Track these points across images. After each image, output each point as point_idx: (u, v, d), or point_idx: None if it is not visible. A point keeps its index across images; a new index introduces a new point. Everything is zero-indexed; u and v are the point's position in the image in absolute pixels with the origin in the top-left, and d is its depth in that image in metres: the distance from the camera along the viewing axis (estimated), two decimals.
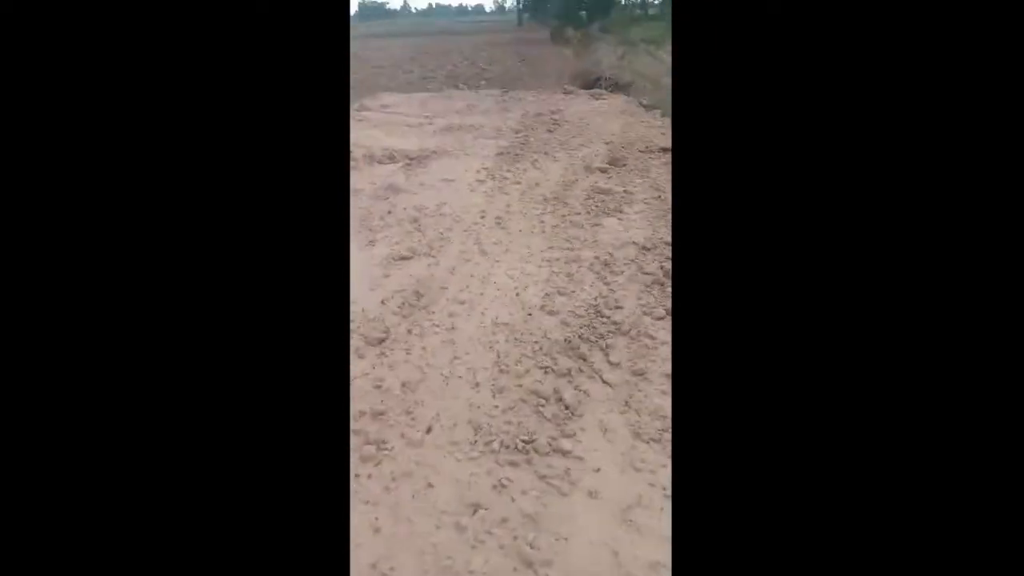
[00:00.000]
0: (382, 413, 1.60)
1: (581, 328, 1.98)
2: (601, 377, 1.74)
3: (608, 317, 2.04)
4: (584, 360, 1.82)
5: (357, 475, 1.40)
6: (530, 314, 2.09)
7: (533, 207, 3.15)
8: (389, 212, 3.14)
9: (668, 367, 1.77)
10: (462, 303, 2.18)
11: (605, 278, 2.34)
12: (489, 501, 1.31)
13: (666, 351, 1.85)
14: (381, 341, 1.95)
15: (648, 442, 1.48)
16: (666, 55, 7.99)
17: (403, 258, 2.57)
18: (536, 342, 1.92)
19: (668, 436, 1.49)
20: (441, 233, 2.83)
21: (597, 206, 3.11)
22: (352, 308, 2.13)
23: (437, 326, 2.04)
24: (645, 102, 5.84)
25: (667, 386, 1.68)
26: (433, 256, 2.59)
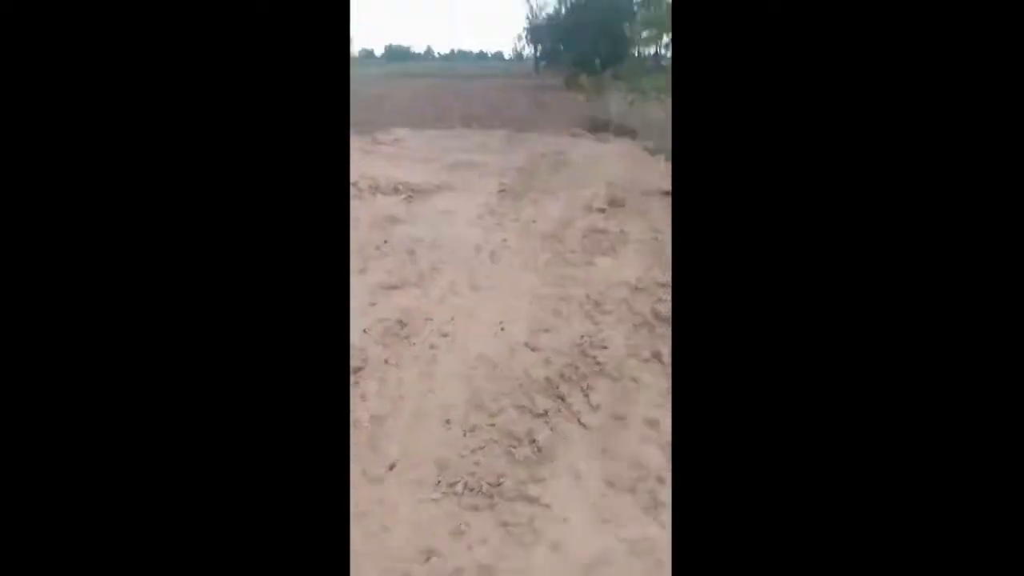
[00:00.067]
0: None
1: (563, 367, 1.92)
2: (579, 420, 1.67)
3: (593, 357, 1.99)
4: (563, 401, 1.75)
5: None
6: (512, 350, 2.04)
7: (528, 243, 3.15)
8: (385, 242, 3.16)
9: (651, 412, 1.69)
10: (445, 335, 2.14)
11: (594, 317, 2.29)
12: (445, 548, 1.23)
13: (650, 395, 1.78)
14: (357, 370, 1.90)
15: (621, 492, 1.39)
16: None
17: (392, 287, 2.56)
18: (516, 379, 1.86)
19: (643, 486, 1.40)
20: (433, 265, 2.82)
21: (593, 245, 3.11)
22: None
23: (416, 358, 1.99)
24: (650, 147, 5.95)
25: (648, 433, 1.61)
26: (422, 287, 2.57)
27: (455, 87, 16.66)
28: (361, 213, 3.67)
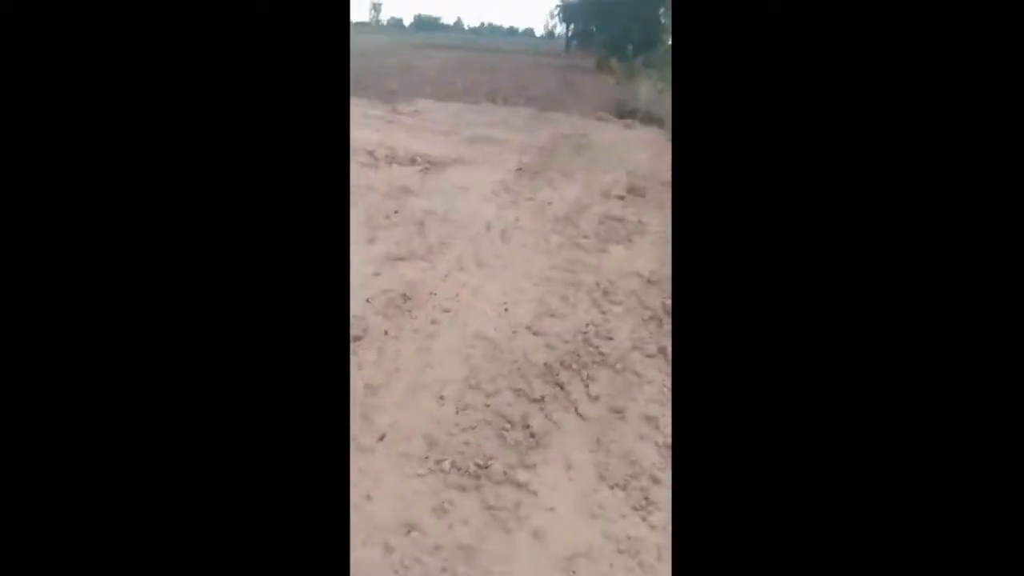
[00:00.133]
0: None
1: (565, 354, 1.88)
2: (576, 409, 1.63)
3: (596, 347, 1.94)
4: (561, 388, 1.71)
5: None
6: (515, 332, 2.00)
7: (541, 225, 3.08)
8: (396, 212, 3.11)
9: (650, 408, 1.65)
10: (447, 311, 2.11)
11: (601, 306, 2.24)
12: (426, 524, 1.21)
13: (651, 391, 1.73)
14: (357, 339, 1.88)
15: (612, 487, 1.35)
16: None
17: (399, 259, 2.52)
18: (515, 361, 1.82)
19: (636, 484, 1.36)
20: (442, 239, 2.77)
21: (608, 232, 3.03)
22: None
23: (416, 331, 1.96)
24: None
25: (645, 429, 1.56)
26: (429, 260, 2.53)
27: (483, 60, 16.33)
28: (375, 182, 3.62)
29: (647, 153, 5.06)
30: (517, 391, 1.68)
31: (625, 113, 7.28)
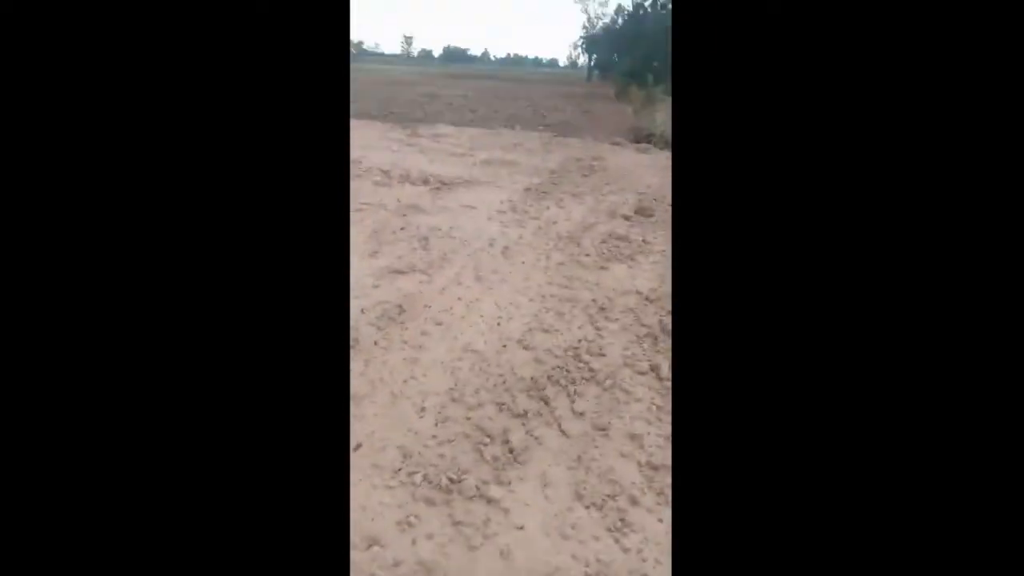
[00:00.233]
0: None
1: (553, 369, 1.83)
2: (559, 425, 1.58)
3: (586, 363, 1.88)
4: (546, 404, 1.66)
5: None
6: (504, 346, 1.97)
7: (544, 243, 3.07)
8: (402, 228, 3.16)
9: (635, 426, 1.58)
10: (439, 324, 2.10)
11: (597, 323, 2.19)
12: (389, 539, 1.17)
13: (638, 409, 1.66)
14: None
15: (588, 507, 1.29)
16: None
17: (398, 272, 2.54)
18: (501, 375, 1.78)
19: (613, 504, 1.30)
20: (444, 254, 2.79)
21: (610, 251, 2.99)
22: None
23: (406, 343, 1.95)
24: None
25: (629, 447, 1.50)
26: (428, 275, 2.54)
27: (505, 89, 16.76)
28: (387, 200, 3.70)
29: (659, 176, 5.04)
30: (500, 405, 1.64)
31: (641, 138, 7.30)
